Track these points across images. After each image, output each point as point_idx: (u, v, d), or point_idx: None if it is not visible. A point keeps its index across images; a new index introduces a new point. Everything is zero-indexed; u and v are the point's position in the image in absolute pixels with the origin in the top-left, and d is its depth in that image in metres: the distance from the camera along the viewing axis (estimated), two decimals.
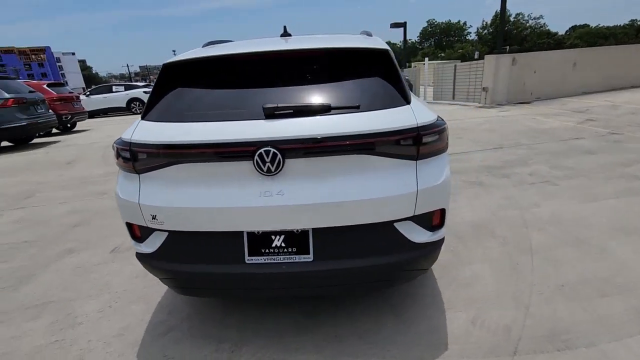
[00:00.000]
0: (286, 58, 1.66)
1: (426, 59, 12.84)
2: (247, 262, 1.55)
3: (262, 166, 1.42)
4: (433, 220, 1.65)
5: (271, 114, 1.46)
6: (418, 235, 1.61)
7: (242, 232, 1.53)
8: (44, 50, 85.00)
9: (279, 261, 1.54)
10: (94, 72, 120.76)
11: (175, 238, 1.58)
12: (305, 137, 1.42)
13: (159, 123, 1.55)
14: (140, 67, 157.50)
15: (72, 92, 10.55)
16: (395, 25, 14.66)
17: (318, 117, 1.47)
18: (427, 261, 1.70)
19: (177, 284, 1.67)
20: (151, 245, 1.64)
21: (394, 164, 1.50)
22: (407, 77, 2.12)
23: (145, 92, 16.20)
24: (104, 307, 2.17)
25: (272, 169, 1.43)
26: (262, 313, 2.01)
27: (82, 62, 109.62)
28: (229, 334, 1.88)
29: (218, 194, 1.48)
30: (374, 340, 1.77)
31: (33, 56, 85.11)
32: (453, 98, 11.66)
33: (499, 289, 2.08)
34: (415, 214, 1.55)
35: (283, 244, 1.55)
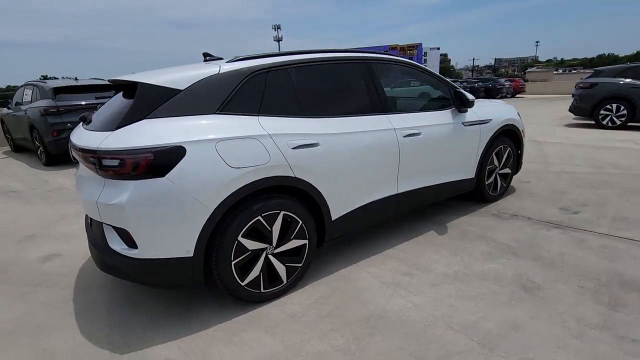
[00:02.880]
0: (115, 86, 2.28)
1: None
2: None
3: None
4: (129, 236, 1.85)
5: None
6: (113, 242, 1.91)
7: None
8: (417, 46, 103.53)
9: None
10: (451, 64, 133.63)
11: None
12: (75, 143, 2.07)
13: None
14: (495, 59, 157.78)
15: None
16: None
17: (90, 132, 2.03)
18: (131, 271, 1.92)
19: None
20: None
21: (98, 176, 1.87)
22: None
23: None
24: None
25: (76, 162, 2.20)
26: None
27: (444, 56, 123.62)
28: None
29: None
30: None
31: (409, 51, 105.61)
32: None
33: None
34: (102, 221, 1.87)
35: None
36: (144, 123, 1.85)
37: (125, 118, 1.85)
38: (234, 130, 2.00)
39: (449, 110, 3.11)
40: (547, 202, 3.72)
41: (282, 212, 2.18)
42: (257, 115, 2.13)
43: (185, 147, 1.83)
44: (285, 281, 2.30)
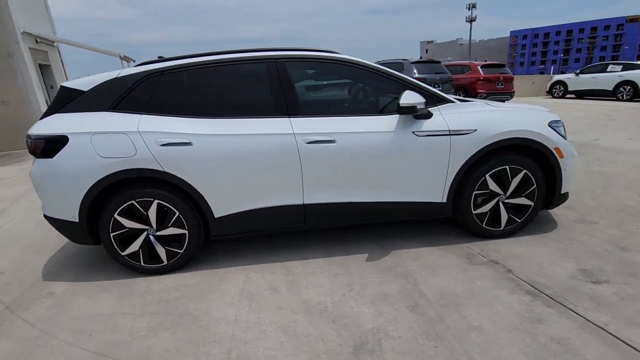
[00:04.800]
0: None
1: None
2: None
3: None
4: None
5: None
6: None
7: None
8: None
9: None
10: None
11: None
12: None
13: None
14: None
15: (504, 74, 11.13)
16: None
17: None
18: (51, 224, 2.62)
19: None
20: None
21: None
22: None
23: None
24: None
25: None
26: None
27: None
28: None
29: None
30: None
31: None
32: None
33: None
34: None
35: None
36: (54, 116, 2.45)
37: (46, 112, 2.50)
38: (110, 125, 2.37)
39: (396, 115, 2.53)
40: (574, 258, 2.52)
41: (156, 201, 2.44)
42: (141, 114, 2.43)
43: (69, 136, 2.34)
44: (165, 262, 2.58)
